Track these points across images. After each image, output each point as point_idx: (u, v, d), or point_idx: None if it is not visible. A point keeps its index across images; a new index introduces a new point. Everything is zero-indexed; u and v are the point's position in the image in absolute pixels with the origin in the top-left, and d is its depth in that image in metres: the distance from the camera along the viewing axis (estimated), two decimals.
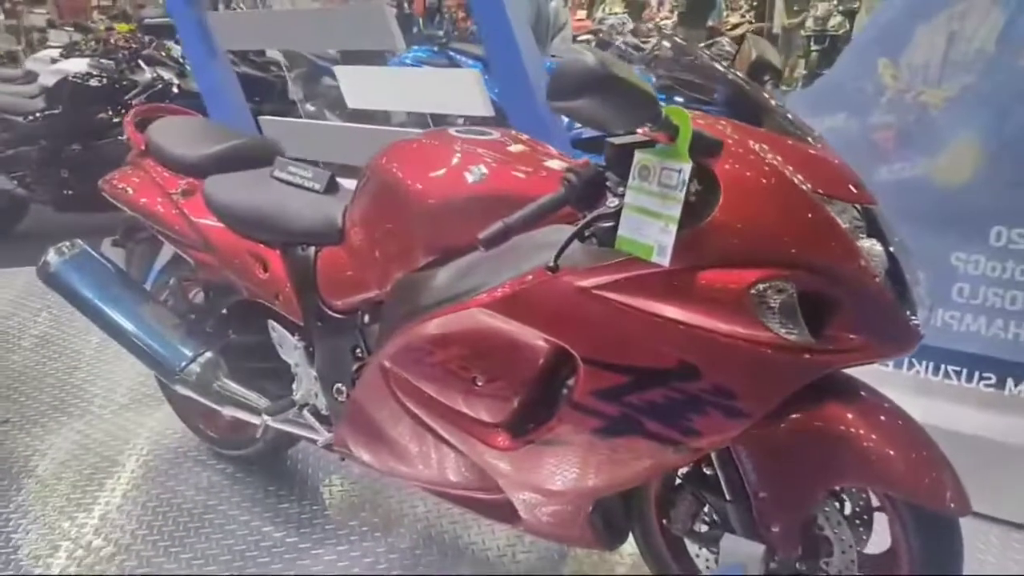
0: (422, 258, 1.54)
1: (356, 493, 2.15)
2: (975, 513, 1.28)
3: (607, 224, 1.24)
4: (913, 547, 1.29)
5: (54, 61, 5.11)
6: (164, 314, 2.03)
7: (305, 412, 1.89)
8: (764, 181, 1.19)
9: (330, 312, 1.77)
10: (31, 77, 5.00)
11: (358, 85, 2.97)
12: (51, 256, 2.09)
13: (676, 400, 1.25)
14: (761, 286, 1.16)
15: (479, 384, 1.45)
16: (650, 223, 1.17)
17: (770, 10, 8.83)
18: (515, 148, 1.59)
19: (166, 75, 4.75)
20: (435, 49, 5.71)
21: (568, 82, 1.06)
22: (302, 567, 1.87)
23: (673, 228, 1.14)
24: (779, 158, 1.21)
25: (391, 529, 2.00)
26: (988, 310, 2.05)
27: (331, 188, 1.85)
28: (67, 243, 2.11)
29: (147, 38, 5.20)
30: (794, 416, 1.26)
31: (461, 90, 2.71)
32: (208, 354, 1.95)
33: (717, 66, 1.45)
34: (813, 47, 7.78)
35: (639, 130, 1.17)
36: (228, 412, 1.95)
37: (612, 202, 1.25)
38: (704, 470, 1.44)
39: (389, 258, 1.61)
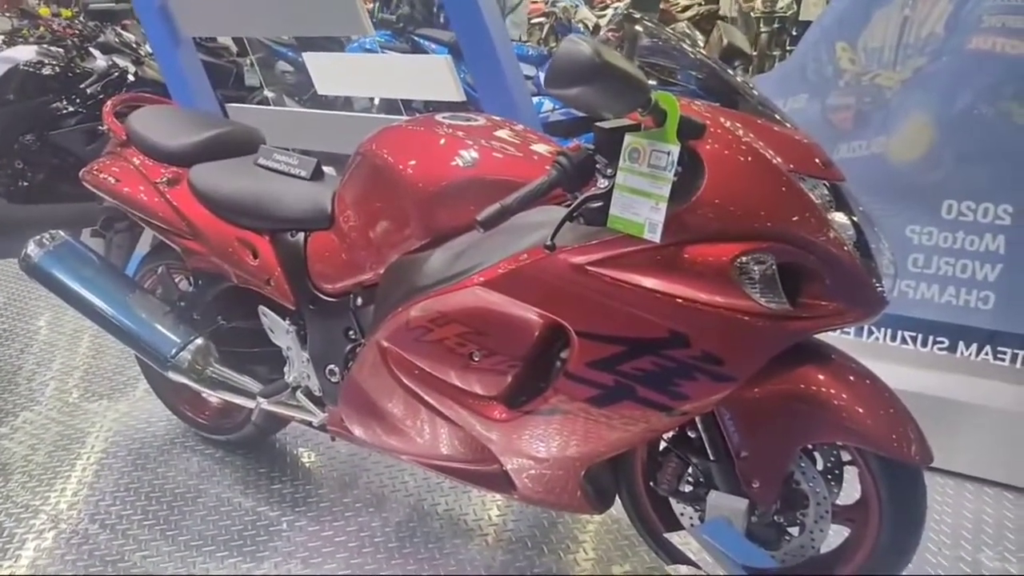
0: (416, 241, 1.60)
1: (347, 472, 2.21)
2: (931, 467, 1.40)
3: (598, 204, 1.32)
4: (882, 496, 1.41)
5: None
6: (153, 302, 2.05)
7: (298, 394, 1.94)
8: (744, 160, 1.28)
9: (322, 296, 1.82)
10: None
11: (328, 71, 2.99)
12: (32, 248, 2.09)
13: (667, 367, 1.34)
14: (743, 259, 1.26)
15: (476, 359, 1.52)
16: (641, 202, 1.25)
17: None
18: (502, 133, 1.65)
19: (122, 62, 4.67)
20: (394, 34, 5.71)
21: (566, 71, 1.13)
22: (300, 543, 1.93)
23: (663, 206, 1.22)
24: (758, 140, 1.30)
25: (384, 504, 2.07)
26: (941, 279, 2.19)
27: (317, 174, 1.89)
28: (48, 234, 2.11)
29: (92, 24, 5.08)
30: (772, 379, 1.36)
31: (432, 76, 2.76)
32: (199, 340, 1.98)
33: (690, 51, 1.53)
34: (762, 28, 7.95)
35: (629, 115, 1.25)
36: (221, 396, 1.99)
37: (602, 183, 1.32)
38: (689, 434, 1.54)
39: (382, 242, 1.66)
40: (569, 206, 1.38)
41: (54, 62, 4.55)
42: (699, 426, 1.48)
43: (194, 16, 3.17)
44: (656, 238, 1.23)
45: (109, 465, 2.24)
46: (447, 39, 4.68)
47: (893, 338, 2.26)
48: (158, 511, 2.05)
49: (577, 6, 7.47)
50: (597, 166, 1.34)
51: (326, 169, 1.93)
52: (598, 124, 1.35)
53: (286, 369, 1.96)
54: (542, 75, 3.59)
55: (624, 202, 1.27)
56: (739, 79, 1.48)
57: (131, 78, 4.64)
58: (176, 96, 3.36)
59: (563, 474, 1.56)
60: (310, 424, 1.93)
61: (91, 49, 4.72)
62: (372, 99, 4.71)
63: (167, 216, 1.96)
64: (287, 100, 5.83)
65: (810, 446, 1.49)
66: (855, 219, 1.35)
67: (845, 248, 1.30)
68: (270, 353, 1.98)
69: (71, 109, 4.48)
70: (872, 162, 2.20)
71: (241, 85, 5.28)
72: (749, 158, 1.28)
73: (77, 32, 4.82)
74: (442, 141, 1.61)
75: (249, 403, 1.96)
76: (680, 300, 1.29)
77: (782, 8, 7.97)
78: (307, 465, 2.26)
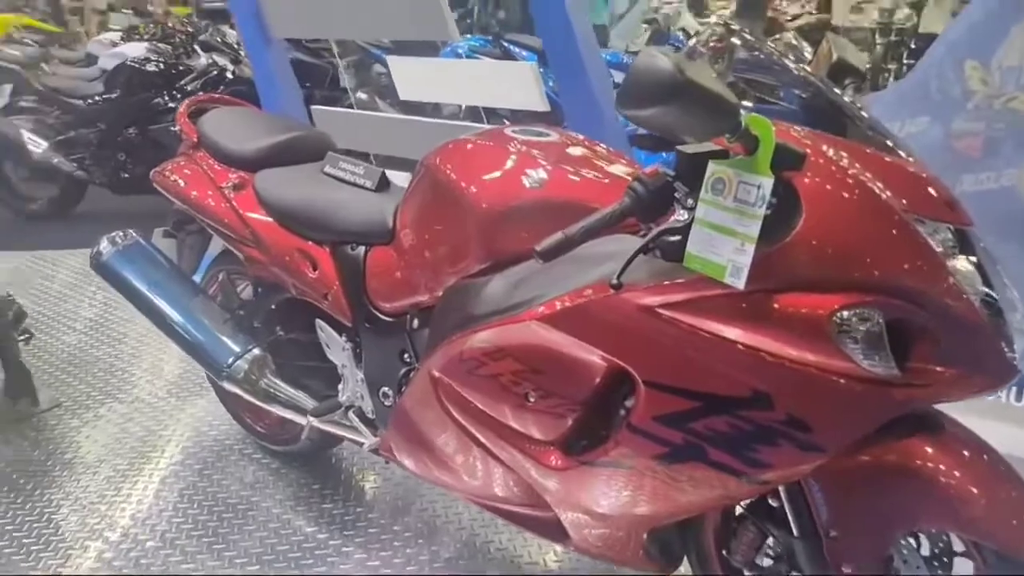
0: (475, 264, 1.48)
1: (400, 496, 2.11)
2: None
3: (674, 239, 1.17)
4: None
5: (114, 44, 5.17)
6: (213, 309, 2.01)
7: (351, 414, 1.85)
8: (850, 198, 1.10)
9: (378, 314, 1.73)
10: (91, 60, 5.07)
11: (410, 76, 2.92)
12: (104, 246, 2.08)
13: (745, 430, 1.17)
14: (844, 313, 1.07)
15: (531, 400, 1.38)
16: (723, 241, 1.08)
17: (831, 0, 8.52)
18: (575, 151, 1.51)
19: (221, 61, 4.77)
20: (489, 39, 5.63)
21: (641, 89, 0.98)
22: (344, 571, 1.84)
23: (751, 248, 1.05)
24: (867, 173, 1.12)
25: (435, 537, 1.96)
26: None
27: (382, 186, 1.80)
28: (120, 233, 2.10)
29: (204, 23, 5.23)
30: (871, 449, 1.17)
31: (516, 84, 2.65)
32: (255, 351, 1.92)
33: (793, 67, 1.35)
34: (878, 40, 7.48)
35: (714, 140, 1.08)
36: (274, 410, 1.93)
37: (681, 215, 1.17)
38: (770, 501, 1.35)
39: (440, 262, 1.55)
40: (643, 236, 1.23)
41: (160, 59, 4.69)
42: (782, 495, 1.30)
43: (285, 17, 3.16)
44: (739, 284, 1.07)
45: (173, 470, 2.22)
46: (537, 45, 4.56)
47: (1019, 397, 1.99)
48: (208, 522, 2.00)
49: (680, 13, 7.22)
50: (676, 195, 1.19)
51: (395, 178, 1.84)
52: (680, 148, 1.19)
53: (340, 387, 1.88)
54: None
55: (704, 239, 1.11)
56: (848, 99, 1.29)
57: (229, 76, 4.75)
58: (263, 95, 3.37)
59: (623, 532, 1.40)
60: (361, 446, 1.84)
61: (196, 48, 4.86)
62: (460, 105, 4.64)
63: (231, 222, 1.91)
64: (379, 103, 5.87)
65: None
66: (981, 268, 1.15)
67: (970, 304, 1.10)
68: (326, 369, 1.91)
69: (171, 105, 4.61)
70: (1002, 196, 1.94)
71: (337, 86, 5.32)
72: (856, 195, 1.10)
73: (186, 30, 4.96)
74: (510, 157, 1.49)
75: (301, 420, 1.89)
76: (765, 355, 1.12)
77: (900, 20, 7.48)
78: (361, 485, 2.18)
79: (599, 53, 2.63)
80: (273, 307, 1.98)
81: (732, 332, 1.13)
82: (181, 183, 2.03)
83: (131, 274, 2.03)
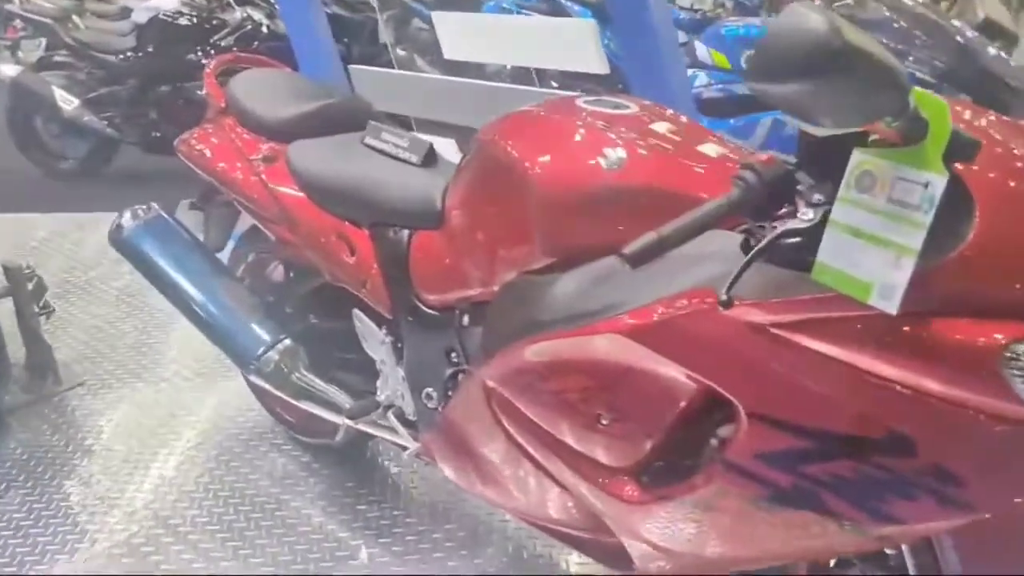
0: (539, 258, 1.26)
1: (442, 500, 1.93)
2: None
3: (795, 241, 0.94)
4: None
5: None
6: (242, 293, 1.83)
7: (390, 415, 1.67)
8: None
9: (423, 307, 1.53)
10: (125, 14, 4.89)
11: (457, 33, 2.68)
12: (126, 219, 1.91)
13: (877, 478, 0.95)
14: (1021, 347, 0.84)
15: (604, 422, 1.18)
16: (870, 251, 0.85)
17: None
18: (660, 127, 1.28)
19: (256, 15, 4.55)
20: None
21: (787, 58, 0.75)
22: None
23: (910, 263, 0.82)
24: None
25: (478, 548, 1.78)
26: None
27: (429, 160, 1.58)
28: (143, 206, 1.92)
29: None
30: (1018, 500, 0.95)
31: (574, 43, 2.40)
32: (287, 341, 1.74)
33: (946, 23, 1.09)
34: None
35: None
36: (306, 408, 1.75)
37: (805, 214, 0.94)
38: (884, 549, 1.14)
39: (497, 254, 1.34)
40: (747, 234, 1.01)
41: (193, 12, 4.49)
42: (903, 546, 1.08)
43: None
44: (891, 307, 0.84)
45: (194, 459, 2.07)
46: (593, 0, 4.26)
47: None
48: (233, 521, 1.85)
49: None
50: (799, 187, 0.96)
51: (447, 148, 1.62)
52: (805, 128, 0.96)
53: (379, 384, 1.69)
54: (697, 43, 3.12)
55: (841, 247, 0.88)
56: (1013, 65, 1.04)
57: (264, 31, 4.53)
58: (299, 52, 3.16)
59: (703, 572, 1.21)
60: (403, 449, 1.66)
61: (231, 1, 4.64)
62: (505, 66, 4.37)
63: (261, 198, 1.72)
64: (419, 60, 5.60)
65: None
66: None
67: None
68: (363, 363, 1.72)
69: (204, 61, 4.41)
70: None
71: (375, 41, 5.07)
72: None
73: None
74: (583, 133, 1.26)
75: (336, 419, 1.71)
76: (911, 391, 0.89)
77: None
78: (399, 485, 2.00)
79: (668, 8, 2.36)
80: (306, 293, 1.79)
81: (869, 361, 0.91)
82: (208, 153, 1.83)
83: (154, 251, 1.85)
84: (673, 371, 1.08)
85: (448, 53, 2.69)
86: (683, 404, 1.10)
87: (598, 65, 2.36)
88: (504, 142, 1.31)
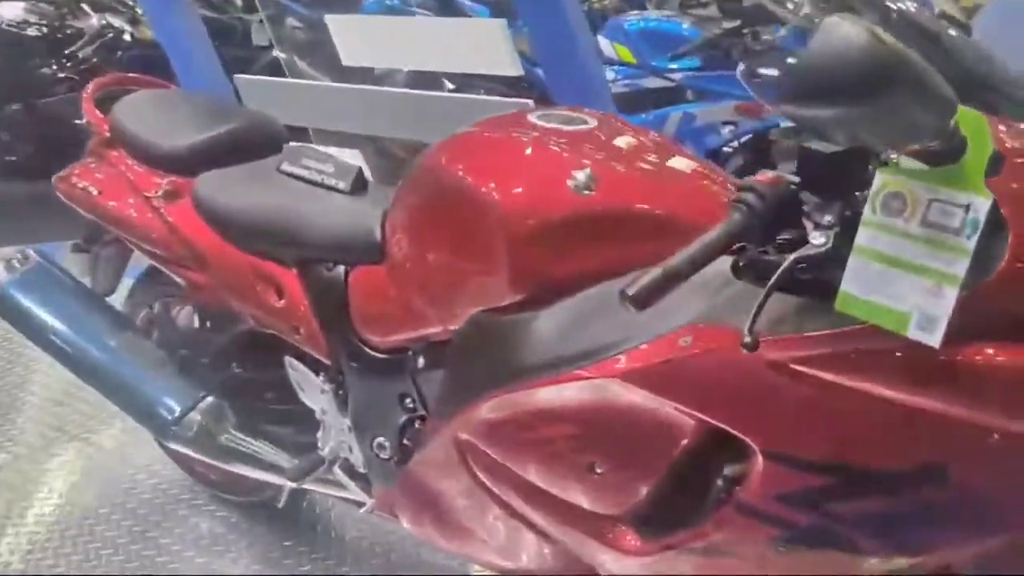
0: (506, 296, 1.14)
1: (404, 553, 1.76)
2: None
3: (806, 267, 0.87)
4: None
5: None
6: (149, 348, 1.61)
7: (337, 469, 1.51)
8: None
9: (368, 350, 1.38)
10: None
11: (355, 38, 2.50)
12: None
13: (906, 511, 0.90)
14: None
15: (598, 471, 1.08)
16: (905, 280, 0.79)
17: None
18: (623, 142, 1.18)
19: (116, 22, 4.16)
20: None
21: (833, 78, 0.66)
22: None
23: (953, 292, 0.76)
24: None
25: None
26: None
27: (359, 186, 1.43)
28: (17, 255, 1.65)
29: None
30: None
31: (482, 44, 2.27)
32: (209, 399, 1.54)
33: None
34: None
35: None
36: (240, 472, 1.56)
37: (817, 239, 0.87)
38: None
39: (456, 289, 1.21)
40: (742, 258, 0.93)
41: (42, 21, 4.06)
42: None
43: None
44: (934, 340, 0.78)
45: (99, 535, 1.82)
46: None
47: None
48: None
49: None
50: (805, 208, 0.89)
51: (353, 159, 1.47)
52: (806, 144, 0.88)
53: (320, 436, 1.52)
54: (600, 38, 3.07)
55: (870, 276, 0.81)
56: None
57: (127, 39, 4.15)
58: (177, 62, 2.88)
59: None
60: (357, 505, 1.50)
61: (84, 5, 4.23)
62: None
63: (165, 241, 1.51)
64: (299, 62, 5.31)
65: None
66: None
67: None
68: (300, 414, 1.55)
69: (61, 75, 4.00)
70: None
71: (247, 44, 4.75)
72: None
73: None
74: (543, 153, 1.15)
75: (277, 480, 1.53)
76: (947, 420, 0.84)
77: None
78: (348, 539, 1.83)
79: (579, 4, 2.28)
80: (226, 342, 1.59)
81: (900, 393, 0.85)
82: (94, 192, 1.59)
83: (38, 307, 1.60)
84: (674, 413, 0.99)
85: (347, 59, 2.51)
86: (684, 445, 1.02)
87: (510, 66, 2.25)
88: (456, 166, 1.18)
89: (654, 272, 0.84)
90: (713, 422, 0.96)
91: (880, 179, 0.79)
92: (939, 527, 0.90)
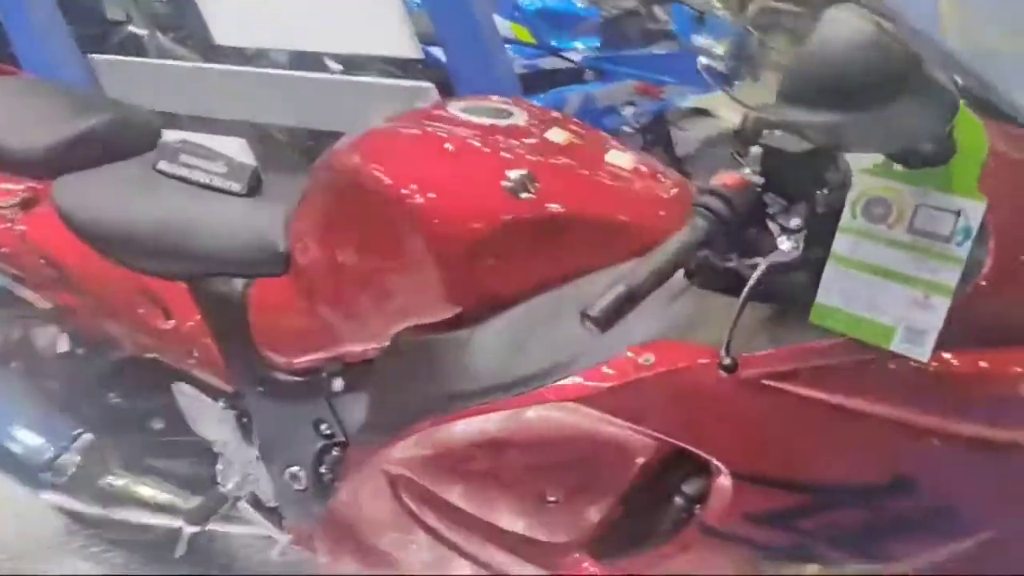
0: (439, 310, 1.03)
1: None
2: None
3: (779, 278, 0.81)
4: None
5: None
6: (10, 382, 1.37)
7: (243, 504, 1.35)
8: None
9: (276, 373, 1.23)
10: None
11: (230, 14, 2.27)
12: None
13: (878, 524, 0.86)
14: None
15: (551, 499, 0.99)
16: (889, 290, 0.73)
17: None
18: (557, 136, 1.08)
19: None
20: None
21: (841, 82, 0.59)
22: None
23: (944, 302, 0.71)
24: None
25: None
26: None
27: (255, 186, 1.26)
28: None
29: None
30: None
31: (375, 21, 2.11)
32: (87, 436, 1.34)
33: None
34: None
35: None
36: (129, 519, 1.37)
37: (785, 243, 0.81)
38: None
39: (377, 304, 1.09)
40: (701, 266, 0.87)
41: None
42: None
43: None
44: (922, 353, 0.73)
45: None
46: None
47: None
48: None
49: None
50: (769, 211, 0.82)
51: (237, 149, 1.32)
52: (767, 142, 0.82)
53: (220, 470, 1.36)
54: (496, 17, 2.94)
55: (849, 286, 0.75)
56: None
57: None
58: (16, 41, 2.53)
59: None
60: (270, 541, 1.35)
61: None
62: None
63: (20, 257, 1.29)
64: (161, 39, 4.88)
65: None
66: None
67: None
68: (194, 447, 1.37)
69: None
70: None
71: (98, 18, 4.30)
72: None
73: None
74: (472, 152, 1.04)
75: (173, 523, 1.36)
76: (921, 431, 0.80)
77: None
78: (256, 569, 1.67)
79: None
80: (103, 371, 1.38)
81: (878, 406, 0.80)
82: None
83: None
84: (633, 434, 0.91)
85: (220, 37, 2.28)
86: (641, 466, 0.94)
87: (409, 48, 2.10)
88: (373, 168, 1.04)
89: (616, 289, 0.75)
90: (676, 443, 0.89)
91: (861, 183, 0.73)
92: (903, 538, 0.87)
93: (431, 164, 1.03)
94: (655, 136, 2.79)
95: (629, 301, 0.76)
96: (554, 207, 0.97)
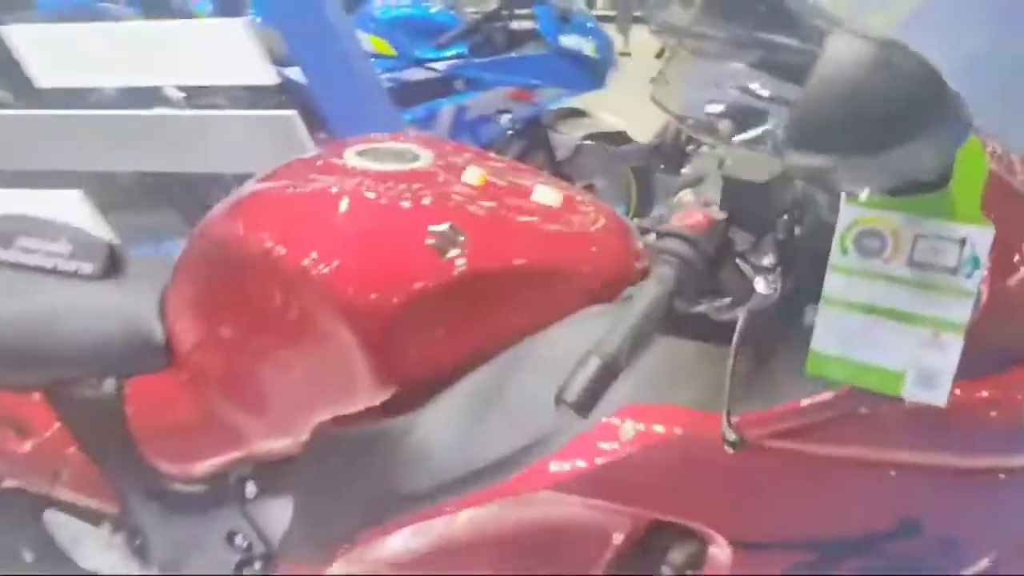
0: (365, 396, 0.88)
1: None
2: None
3: (757, 321, 0.72)
4: None
5: None
6: None
7: None
8: None
9: (173, 483, 1.04)
10: None
11: (50, 52, 1.99)
12: None
13: (882, 568, 0.80)
14: None
15: None
16: (893, 331, 0.66)
17: None
18: (473, 176, 0.95)
19: None
20: None
21: (860, 114, 0.50)
22: None
23: (957, 339, 0.64)
24: None
25: None
26: None
27: (112, 266, 1.06)
28: None
29: None
30: None
31: (224, 49, 1.91)
32: None
33: None
34: None
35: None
36: None
37: (760, 284, 0.72)
38: None
39: (290, 394, 0.92)
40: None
41: None
42: None
43: None
44: (939, 398, 0.65)
45: None
46: None
47: None
48: None
49: None
50: (738, 249, 0.73)
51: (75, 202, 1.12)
52: (728, 173, 0.73)
53: None
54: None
55: (847, 330, 0.67)
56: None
57: None
58: None
59: None
60: None
61: None
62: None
63: None
64: None
65: None
66: None
67: None
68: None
69: None
70: None
71: None
72: None
73: None
74: (383, 209, 0.89)
75: None
76: (929, 470, 0.74)
77: None
78: None
79: None
80: None
81: (887, 452, 0.74)
82: None
83: None
84: (615, 512, 0.81)
85: (45, 80, 1.99)
86: (624, 542, 0.84)
87: (263, 73, 1.91)
88: (262, 236, 0.88)
89: (589, 364, 0.64)
90: (665, 518, 0.79)
91: (849, 214, 0.65)
92: (918, 570, 0.82)
93: (335, 227, 0.88)
94: (533, 141, 2.71)
95: (607, 376, 0.64)
96: (488, 263, 0.85)
